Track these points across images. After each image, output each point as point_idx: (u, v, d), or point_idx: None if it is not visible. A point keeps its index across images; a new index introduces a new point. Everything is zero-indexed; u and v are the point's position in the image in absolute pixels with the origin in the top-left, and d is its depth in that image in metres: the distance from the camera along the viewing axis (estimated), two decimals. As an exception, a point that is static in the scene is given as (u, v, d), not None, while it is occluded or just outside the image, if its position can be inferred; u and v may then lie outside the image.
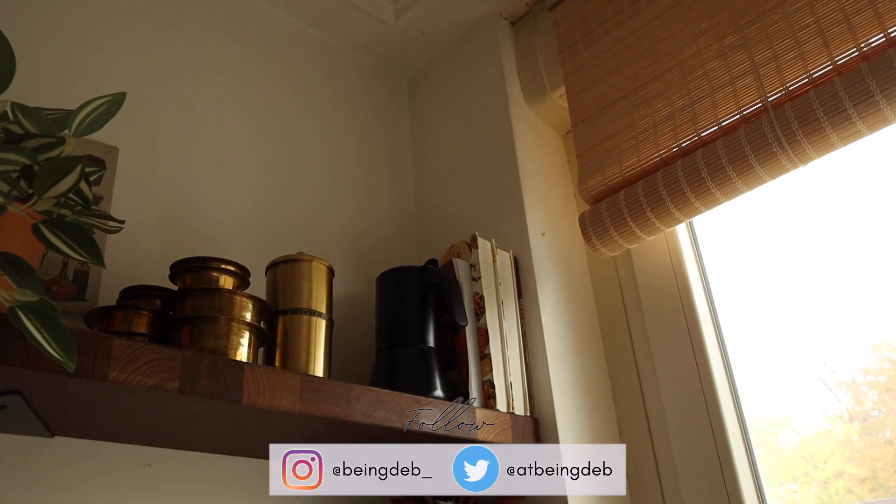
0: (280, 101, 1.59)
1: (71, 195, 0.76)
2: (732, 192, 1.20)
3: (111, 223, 0.98)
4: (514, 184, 1.49)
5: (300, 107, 1.63)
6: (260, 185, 1.45)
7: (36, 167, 0.77)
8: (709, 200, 1.21)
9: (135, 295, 1.04)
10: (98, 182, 1.17)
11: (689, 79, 1.30)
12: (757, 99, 1.19)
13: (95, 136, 1.24)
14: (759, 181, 1.17)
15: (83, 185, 0.76)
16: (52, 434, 0.99)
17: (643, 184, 1.29)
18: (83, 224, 0.76)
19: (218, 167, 1.40)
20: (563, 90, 1.57)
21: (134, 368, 0.81)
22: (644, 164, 1.31)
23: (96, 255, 0.70)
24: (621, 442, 1.36)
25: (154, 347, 0.83)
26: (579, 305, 1.45)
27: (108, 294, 1.12)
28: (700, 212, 1.24)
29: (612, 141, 1.38)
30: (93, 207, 0.87)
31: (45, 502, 0.97)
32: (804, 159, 1.12)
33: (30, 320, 0.65)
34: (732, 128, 1.22)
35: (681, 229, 1.41)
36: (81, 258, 0.70)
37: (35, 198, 0.73)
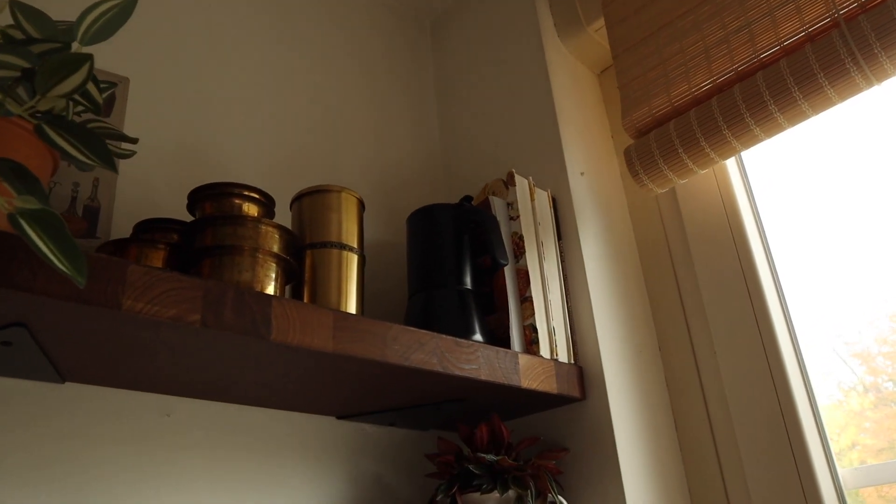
0: (298, 37, 1.49)
1: (77, 97, 0.66)
2: (797, 117, 1.09)
3: (123, 145, 0.89)
4: (551, 122, 1.39)
5: (319, 43, 1.53)
6: (277, 122, 1.36)
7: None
8: (770, 127, 1.11)
9: (150, 229, 0.95)
10: (108, 111, 1.08)
11: (745, -2, 1.19)
12: (825, 13, 1.08)
13: (104, 65, 1.15)
14: (828, 103, 1.07)
15: (91, 87, 0.67)
16: (62, 379, 0.91)
17: (696, 112, 1.19)
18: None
19: (234, 101, 1.31)
20: (599, 23, 1.47)
21: (151, 297, 0.72)
22: (696, 91, 1.21)
23: (106, 158, 0.61)
24: (669, 392, 1.28)
25: (174, 275, 0.74)
26: (621, 248, 1.36)
27: (120, 231, 1.03)
28: (760, 140, 1.14)
29: (659, 70, 1.28)
30: (104, 122, 0.77)
31: (56, 452, 0.89)
32: (881, 76, 1.02)
33: (33, 229, 0.57)
34: (796, 46, 1.11)
35: (730, 164, 1.31)
36: (90, 161, 0.61)
37: (38, 96, 0.63)
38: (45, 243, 0.57)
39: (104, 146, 0.61)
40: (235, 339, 0.79)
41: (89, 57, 0.65)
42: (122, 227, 1.04)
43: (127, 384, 0.95)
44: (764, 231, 1.27)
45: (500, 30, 1.61)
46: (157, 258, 0.91)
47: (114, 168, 0.61)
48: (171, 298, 0.74)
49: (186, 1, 1.32)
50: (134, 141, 0.82)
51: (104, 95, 0.85)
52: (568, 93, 1.46)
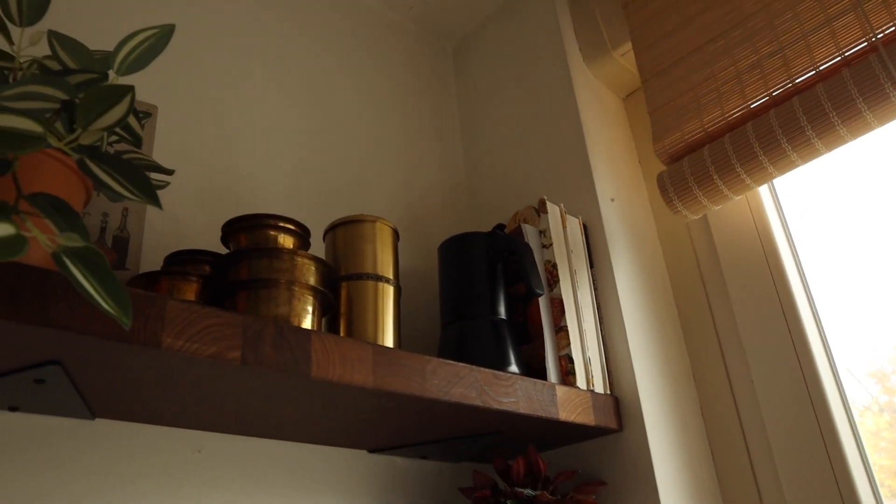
0: (321, 66, 1.49)
1: (118, 130, 0.65)
2: (835, 142, 1.07)
3: (159, 176, 0.88)
4: (580, 147, 1.37)
5: (341, 72, 1.52)
6: (305, 151, 1.35)
7: (77, 101, 0.66)
8: (807, 152, 1.09)
9: (181, 261, 0.93)
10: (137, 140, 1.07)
11: (777, 23, 1.18)
12: (861, 38, 1.07)
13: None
14: (867, 128, 1.05)
15: (132, 120, 0.66)
16: (93, 415, 0.89)
17: (730, 137, 1.17)
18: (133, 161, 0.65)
19: (262, 130, 1.29)
20: (625, 48, 1.46)
21: (191, 334, 0.70)
22: (729, 117, 1.19)
23: (150, 193, 0.59)
24: (705, 423, 1.25)
25: (213, 311, 0.72)
26: (653, 276, 1.33)
27: (150, 263, 1.02)
28: (796, 165, 1.12)
29: (690, 95, 1.26)
30: (139, 153, 0.76)
31: (85, 489, 0.87)
32: (923, 100, 1.00)
33: (77, 268, 0.55)
34: (832, 71, 1.09)
35: (763, 190, 1.29)
36: (134, 196, 0.59)
37: (79, 130, 0.62)
38: (89, 282, 0.55)
39: (147, 181, 0.59)
40: (275, 376, 0.77)
41: (131, 89, 0.64)
42: (151, 258, 1.02)
43: (157, 420, 0.93)
44: (798, 257, 1.24)
45: (523, 55, 1.60)
46: (190, 291, 0.89)
47: (158, 203, 0.59)
48: (210, 335, 0.72)
49: (214, 29, 1.31)
50: (170, 172, 0.81)
51: (143, 126, 0.84)
52: (595, 117, 1.45)
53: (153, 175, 0.92)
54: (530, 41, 1.59)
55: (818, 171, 1.26)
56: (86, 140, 0.62)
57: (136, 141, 0.67)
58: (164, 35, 0.78)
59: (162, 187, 0.86)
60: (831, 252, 1.23)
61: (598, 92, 1.52)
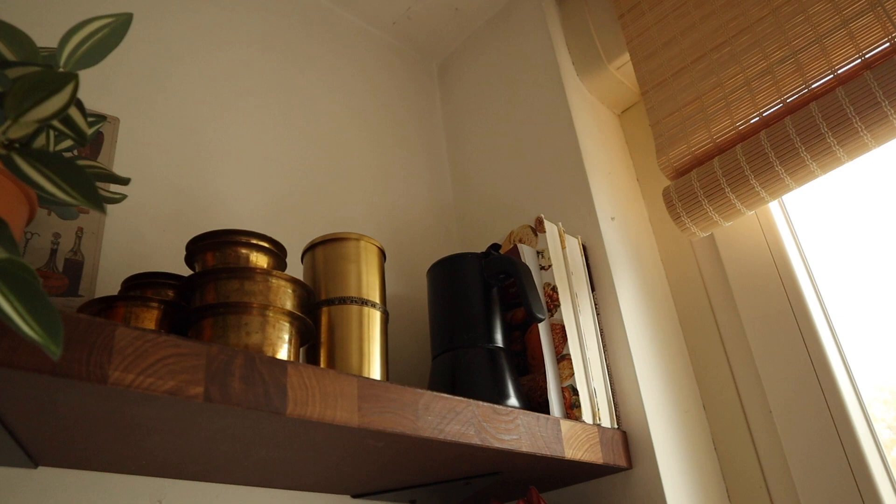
0: (300, 83, 1.39)
1: (57, 123, 0.55)
2: (859, 150, 0.99)
3: (113, 188, 0.77)
4: (577, 164, 1.28)
5: (321, 90, 1.43)
6: (280, 169, 1.25)
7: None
8: (828, 161, 1.01)
9: (140, 285, 0.83)
10: (95, 154, 0.96)
11: (788, 27, 1.10)
12: (883, 38, 0.99)
13: (91, 104, 1.04)
14: (893, 133, 0.97)
15: (75, 112, 0.55)
16: (35, 464, 0.77)
17: (742, 147, 1.08)
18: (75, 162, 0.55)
19: (234, 147, 1.19)
20: (622, 60, 1.38)
21: (145, 367, 0.59)
22: (741, 126, 1.11)
23: (91, 195, 0.49)
24: (718, 458, 1.14)
25: (171, 339, 0.62)
26: (657, 299, 1.24)
27: (107, 289, 0.91)
28: (815, 176, 1.03)
29: (695, 105, 1.18)
30: (91, 161, 0.66)
31: (27, 552, 0.75)
32: (954, 103, 0.92)
33: (-5, 285, 0.44)
34: (852, 74, 1.02)
35: (773, 206, 1.21)
36: (71, 197, 0.48)
37: (8, 121, 0.52)
38: (10, 303, 0.44)
39: (88, 180, 0.49)
40: (245, 415, 0.66)
41: (74, 76, 0.54)
42: (109, 283, 0.92)
43: (111, 467, 0.81)
44: (813, 275, 1.15)
45: (513, 70, 1.52)
46: (150, 319, 0.78)
47: (101, 207, 0.49)
48: (168, 368, 0.61)
49: (187, 41, 1.22)
50: (125, 182, 0.70)
51: (92, 130, 0.73)
52: (591, 133, 1.36)
53: (111, 187, 0.82)
54: (520, 56, 1.51)
55: (825, 187, 1.19)
56: (16, 133, 0.52)
57: (81, 139, 0.56)
58: (119, 26, 0.69)
59: (118, 200, 0.76)
60: (846, 269, 1.15)
61: (594, 107, 1.44)
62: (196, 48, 1.23)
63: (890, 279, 1.09)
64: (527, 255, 1.10)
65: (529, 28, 1.52)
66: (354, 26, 1.60)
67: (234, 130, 1.21)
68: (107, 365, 0.57)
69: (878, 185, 1.13)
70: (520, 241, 1.14)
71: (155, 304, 0.79)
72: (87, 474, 0.81)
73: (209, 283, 0.75)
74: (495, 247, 1.12)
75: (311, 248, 0.93)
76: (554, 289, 1.07)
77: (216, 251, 0.78)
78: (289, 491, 0.96)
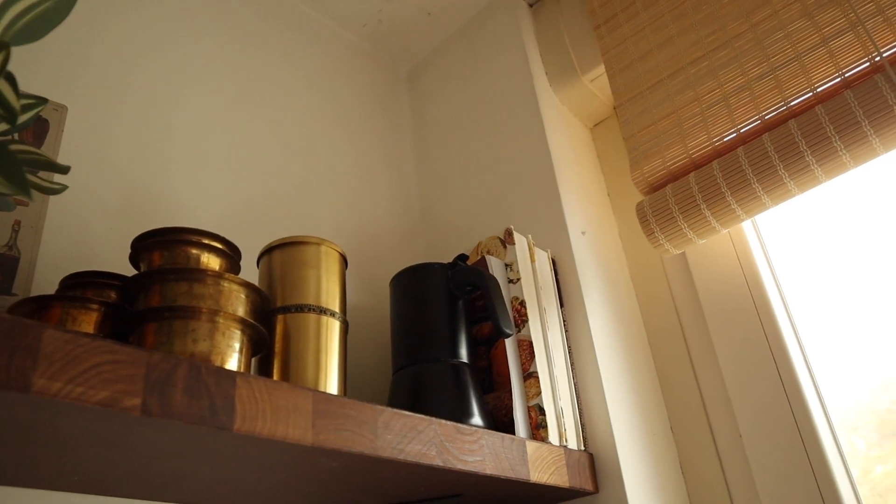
0: (264, 81, 1.34)
1: (-18, 99, 0.49)
2: (837, 169, 0.97)
3: (50, 180, 0.71)
4: (548, 176, 1.25)
5: (285, 90, 1.38)
6: (239, 171, 1.19)
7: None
8: (806, 180, 0.99)
9: (81, 284, 0.76)
10: (38, 143, 0.90)
11: (767, 43, 1.08)
12: (863, 57, 0.98)
13: (40, 93, 0.97)
14: (872, 154, 0.95)
15: (4, 85, 0.50)
16: (-46, 478, 0.70)
17: (719, 163, 1.06)
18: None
19: (192, 144, 1.13)
20: (596, 72, 1.35)
21: (74, 374, 0.53)
22: (717, 142, 1.08)
23: (18, 181, 0.43)
24: (685, 483, 1.11)
25: (106, 345, 0.56)
26: (627, 317, 1.21)
27: (43, 287, 0.84)
28: (792, 195, 1.01)
29: (672, 119, 1.15)
30: (30, 149, 0.60)
31: (-61, 577, 0.68)
32: (936, 125, 0.91)
33: None
34: (832, 93, 1.00)
35: (746, 226, 1.18)
36: (-9, 181, 0.43)
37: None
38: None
39: (15, 164, 0.43)
40: (187, 431, 0.60)
41: (4, 44, 0.48)
42: (47, 282, 0.85)
43: (38, 484, 0.74)
44: (785, 298, 1.13)
45: (486, 79, 1.48)
46: (88, 322, 0.72)
47: (28, 193, 0.43)
48: (101, 376, 0.55)
49: (143, 29, 1.16)
50: (65, 170, 0.64)
51: (30, 115, 0.67)
52: (563, 145, 1.33)
53: (50, 177, 0.76)
54: (493, 64, 1.48)
55: (798, 210, 1.17)
56: (-68, 109, 0.46)
57: (10, 116, 0.50)
58: (64, 1, 0.63)
59: (58, 191, 0.70)
60: (818, 292, 1.12)
61: (566, 119, 1.41)
62: (156, 40, 1.17)
63: (861, 303, 1.07)
64: (495, 267, 1.05)
65: (503, 36, 1.49)
66: (323, 27, 1.55)
67: (192, 127, 1.15)
68: (31, 371, 0.51)
69: (851, 208, 1.11)
70: (488, 252, 1.10)
71: (95, 306, 0.73)
72: (12, 491, 0.74)
73: (154, 284, 0.69)
74: (462, 257, 1.08)
75: (267, 252, 0.87)
76: (522, 303, 1.03)
77: (164, 250, 0.72)
78: (236, 511, 0.90)
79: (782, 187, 1.00)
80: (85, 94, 1.02)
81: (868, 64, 0.97)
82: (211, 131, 1.17)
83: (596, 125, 1.47)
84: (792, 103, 1.03)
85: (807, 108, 1.01)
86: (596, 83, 1.38)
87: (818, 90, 1.01)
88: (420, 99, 1.65)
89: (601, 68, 1.34)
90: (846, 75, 0.99)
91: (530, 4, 1.54)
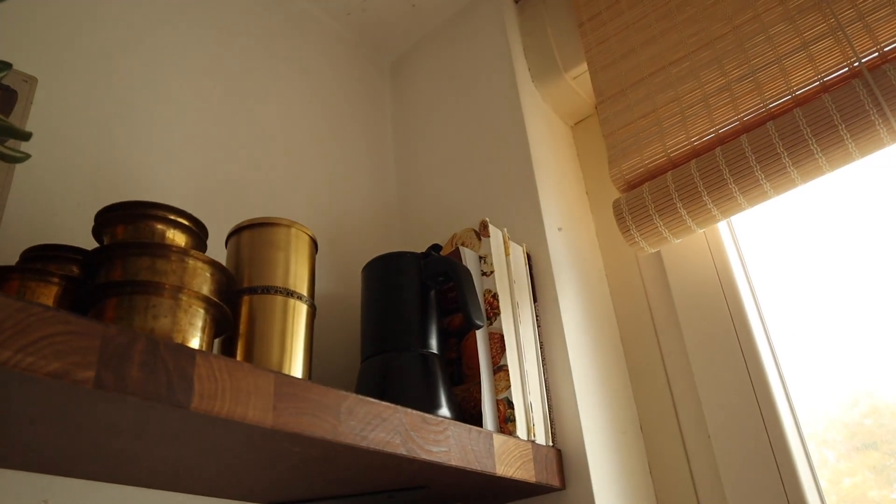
0: (243, 61, 1.32)
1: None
2: (812, 173, 0.97)
3: (13, 148, 0.69)
4: (527, 171, 1.24)
5: (265, 73, 1.36)
6: (213, 153, 1.17)
7: None
8: (782, 182, 0.99)
9: (43, 257, 0.74)
10: (7, 112, 0.87)
11: (748, 45, 1.09)
12: (842, 62, 0.98)
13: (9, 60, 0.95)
14: (848, 158, 0.95)
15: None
16: None
17: (697, 163, 1.06)
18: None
19: (165, 122, 1.11)
20: (578, 70, 1.35)
21: (25, 343, 0.52)
22: (695, 141, 1.08)
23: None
24: (653, 482, 1.11)
25: (61, 315, 0.54)
26: (600, 314, 1.20)
27: (4, 259, 0.82)
28: (768, 197, 1.01)
29: (651, 118, 1.15)
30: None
31: None
32: (910, 131, 0.91)
33: None
34: (810, 96, 1.00)
35: (722, 227, 1.18)
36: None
37: None
38: None
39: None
40: (142, 406, 0.59)
41: (-40, -1, 0.46)
42: (7, 254, 0.83)
43: (-9, 459, 0.72)
44: (758, 299, 1.13)
45: (468, 72, 1.47)
46: (48, 295, 0.70)
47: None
48: (54, 347, 0.53)
49: (125, 12, 1.13)
50: (26, 137, 0.62)
51: (-8, 79, 0.65)
52: (543, 141, 1.32)
53: (10, 146, 0.74)
54: (476, 58, 1.47)
55: (772, 213, 1.17)
56: None
57: (-35, 75, 0.49)
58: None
59: (20, 160, 0.68)
60: (790, 294, 1.13)
61: (547, 116, 1.40)
62: (135, 21, 1.15)
63: (833, 306, 1.08)
64: (469, 258, 1.04)
65: (487, 31, 1.48)
66: (307, 13, 1.54)
67: (166, 103, 1.13)
68: (-22, 339, 0.49)
69: (824, 217, 1.12)
70: (462, 244, 1.09)
71: (55, 280, 0.71)
72: (-38, 466, 0.72)
73: (116, 258, 0.67)
74: (436, 248, 1.07)
75: (236, 232, 0.86)
76: (495, 296, 1.02)
77: (128, 224, 0.71)
78: (192, 496, 0.88)
79: (758, 188, 1.00)
80: (55, 66, 1.00)
81: (847, 69, 0.98)
82: (188, 113, 1.15)
83: (577, 123, 1.47)
84: (771, 105, 1.03)
85: (785, 110, 1.01)
86: (578, 81, 1.38)
87: (797, 93, 1.01)
88: (402, 90, 1.63)
89: (584, 66, 1.33)
90: (825, 79, 0.99)
91: (515, 0, 1.53)
